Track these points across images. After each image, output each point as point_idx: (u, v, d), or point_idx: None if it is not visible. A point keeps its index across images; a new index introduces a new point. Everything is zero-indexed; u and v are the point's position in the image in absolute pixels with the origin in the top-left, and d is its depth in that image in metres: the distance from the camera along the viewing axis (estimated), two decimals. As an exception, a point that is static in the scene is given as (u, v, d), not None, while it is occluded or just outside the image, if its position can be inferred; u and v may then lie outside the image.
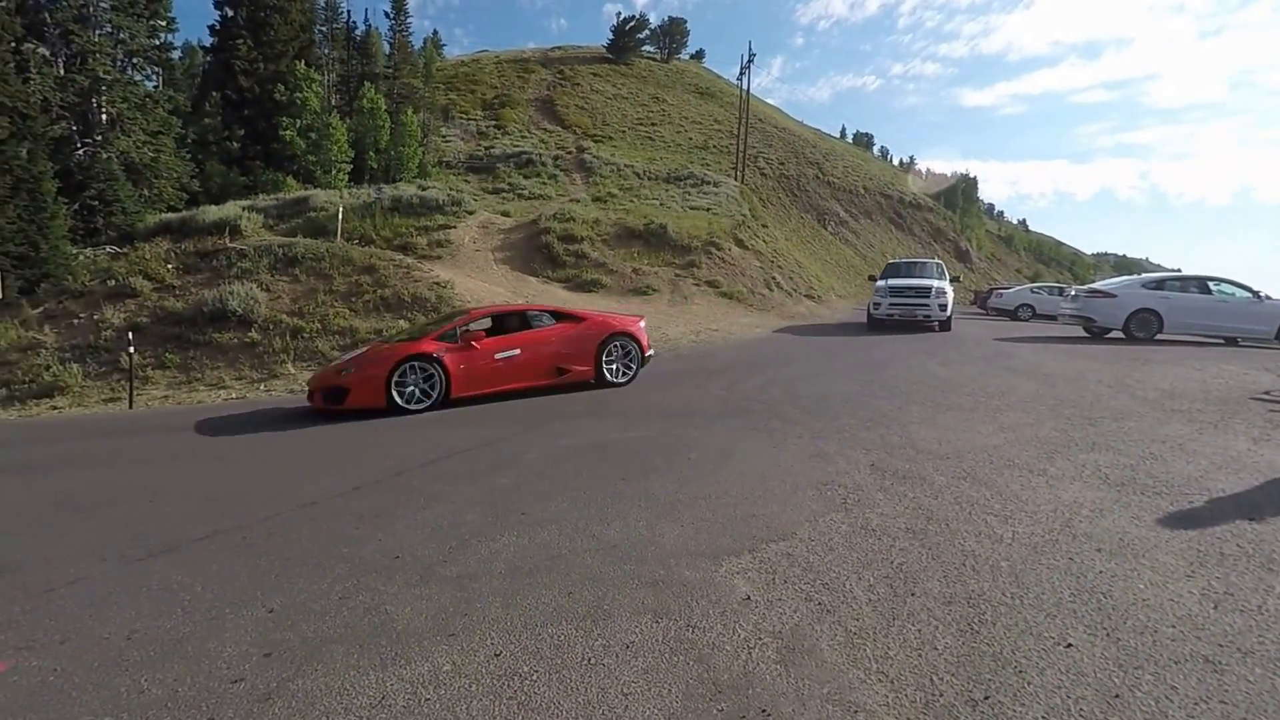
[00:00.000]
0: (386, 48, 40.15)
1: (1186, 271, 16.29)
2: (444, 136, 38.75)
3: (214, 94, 28.45)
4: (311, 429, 6.29)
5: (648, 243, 21.62)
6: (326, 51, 36.23)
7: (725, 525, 3.29)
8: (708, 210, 27.24)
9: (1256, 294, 12.41)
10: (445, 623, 2.42)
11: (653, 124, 51.23)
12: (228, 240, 14.83)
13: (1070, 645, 2.14)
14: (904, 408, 6.04)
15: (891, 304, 14.60)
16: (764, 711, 1.87)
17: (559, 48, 72.10)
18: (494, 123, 44.19)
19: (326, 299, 12.46)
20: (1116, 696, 1.88)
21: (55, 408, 8.92)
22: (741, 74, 40.24)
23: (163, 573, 3.02)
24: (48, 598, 2.81)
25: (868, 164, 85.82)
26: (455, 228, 20.49)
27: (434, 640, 2.30)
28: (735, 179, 36.21)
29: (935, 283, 14.66)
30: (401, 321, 11.70)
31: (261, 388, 9.42)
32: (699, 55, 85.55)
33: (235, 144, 26.70)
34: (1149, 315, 12.48)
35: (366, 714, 1.93)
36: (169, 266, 13.44)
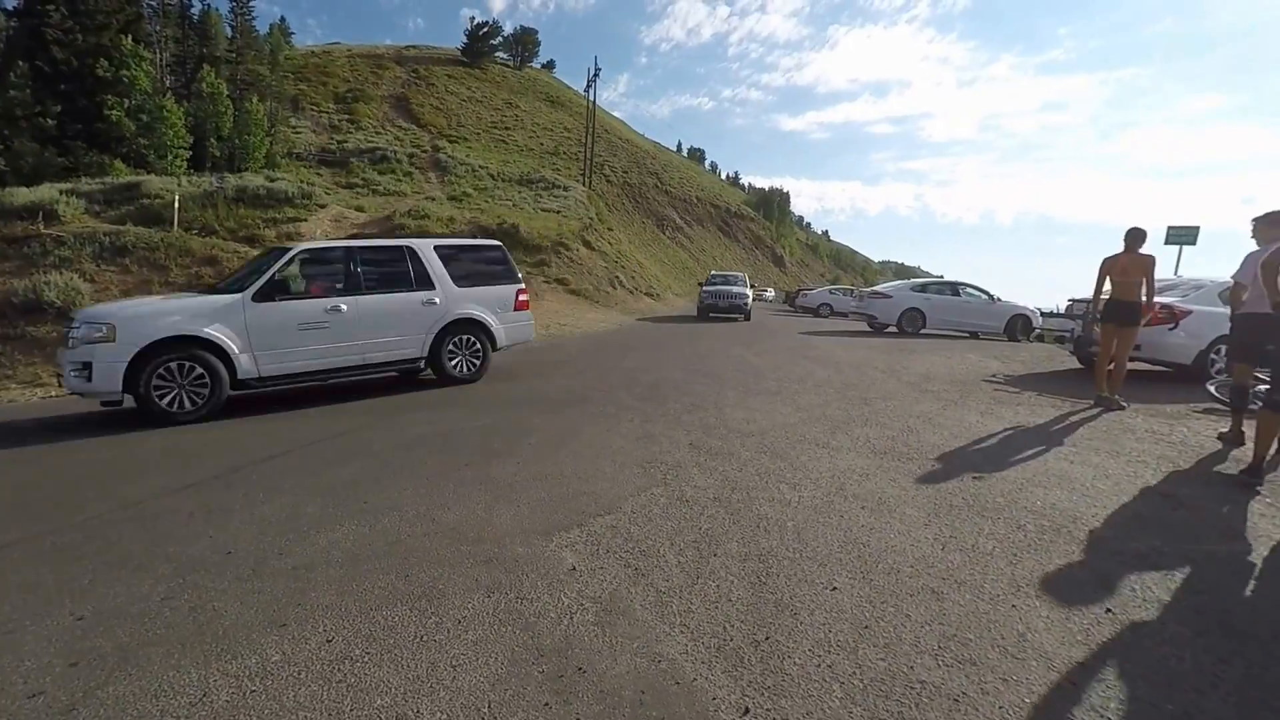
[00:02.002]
0: (228, 30, 35.84)
1: (946, 277, 19.20)
2: (293, 127, 35.19)
3: (21, 63, 23.65)
4: (143, 430, 5.15)
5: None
6: (158, 28, 31.55)
7: (558, 503, 3.26)
8: (558, 213, 27.14)
9: (992, 297, 14.81)
10: (277, 614, 2.23)
11: (506, 128, 49.83)
12: (42, 226, 12.82)
13: (835, 589, 2.38)
14: (721, 392, 6.43)
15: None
16: (580, 669, 1.90)
17: (414, 46, 67.55)
18: (347, 117, 40.89)
19: (162, 291, 10.96)
20: (866, 627, 2.12)
21: None
22: (589, 87, 40.29)
23: (-60, 593, 2.42)
24: None
25: (700, 176, 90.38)
26: (306, 221, 19.16)
27: (263, 633, 2.12)
28: (583, 184, 36.30)
29: (200, 302, 5.50)
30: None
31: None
32: (550, 65, 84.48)
33: (50, 121, 22.56)
34: (915, 313, 14.49)
35: (185, 713, 1.74)
36: (-37, 253, 11.09)
